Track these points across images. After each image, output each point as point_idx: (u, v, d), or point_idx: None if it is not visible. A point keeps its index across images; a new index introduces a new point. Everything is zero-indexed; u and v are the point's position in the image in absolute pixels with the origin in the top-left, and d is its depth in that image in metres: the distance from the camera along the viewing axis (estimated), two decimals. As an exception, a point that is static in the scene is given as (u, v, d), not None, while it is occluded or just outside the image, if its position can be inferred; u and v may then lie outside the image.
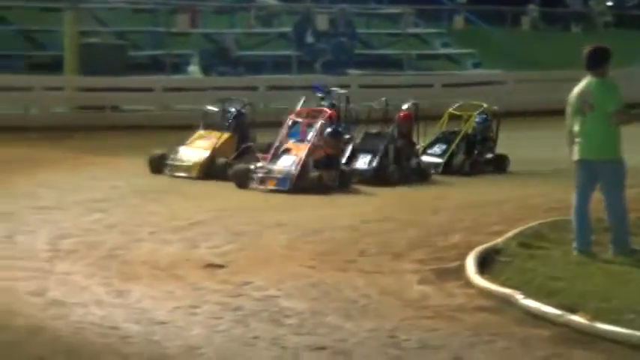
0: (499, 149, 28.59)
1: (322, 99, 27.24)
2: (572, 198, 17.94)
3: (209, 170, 24.72)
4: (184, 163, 24.87)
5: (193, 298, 15.32)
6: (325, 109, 24.80)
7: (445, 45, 49.05)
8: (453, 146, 26.79)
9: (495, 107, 27.81)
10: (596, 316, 13.88)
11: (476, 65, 47.29)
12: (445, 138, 27.27)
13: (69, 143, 24.02)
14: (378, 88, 41.61)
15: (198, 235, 19.60)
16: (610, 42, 38.59)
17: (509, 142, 33.21)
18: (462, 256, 17.49)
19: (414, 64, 46.11)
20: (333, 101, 27.19)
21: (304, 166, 21.98)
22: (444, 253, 18.33)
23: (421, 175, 24.82)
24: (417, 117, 27.04)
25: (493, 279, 16.12)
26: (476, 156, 27.32)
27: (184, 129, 31.66)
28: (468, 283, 16.28)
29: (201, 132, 25.92)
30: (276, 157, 23.05)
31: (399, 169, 24.38)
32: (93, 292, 15.61)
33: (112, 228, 19.64)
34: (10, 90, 35.28)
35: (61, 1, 38.25)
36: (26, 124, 31.67)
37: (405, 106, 27.09)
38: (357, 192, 23.99)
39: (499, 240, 18.56)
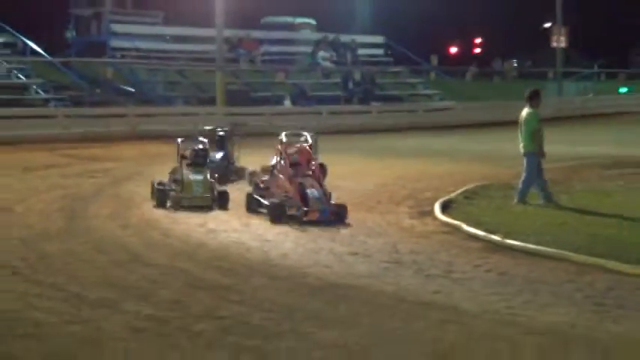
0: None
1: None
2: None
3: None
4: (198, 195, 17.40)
5: (287, 228, 15.38)
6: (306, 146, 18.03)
7: (425, 88, 48.77)
8: None
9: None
10: (506, 236, 14.05)
11: (441, 99, 47.01)
12: None
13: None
14: (388, 112, 41.67)
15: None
16: (515, 87, 38.04)
17: (458, 144, 33.07)
18: (432, 204, 17.50)
19: (408, 99, 45.86)
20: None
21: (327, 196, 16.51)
22: (422, 202, 18.24)
23: None
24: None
25: (449, 216, 16.22)
26: None
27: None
28: (436, 219, 16.30)
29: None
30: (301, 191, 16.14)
31: None
32: (232, 224, 15.68)
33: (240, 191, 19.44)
34: (186, 115, 35.25)
35: (214, 66, 38.22)
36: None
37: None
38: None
39: (452, 195, 18.60)
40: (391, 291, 11.25)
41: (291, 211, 15.98)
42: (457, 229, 15.16)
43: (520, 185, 17.92)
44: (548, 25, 55.49)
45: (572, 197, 18.43)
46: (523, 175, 17.91)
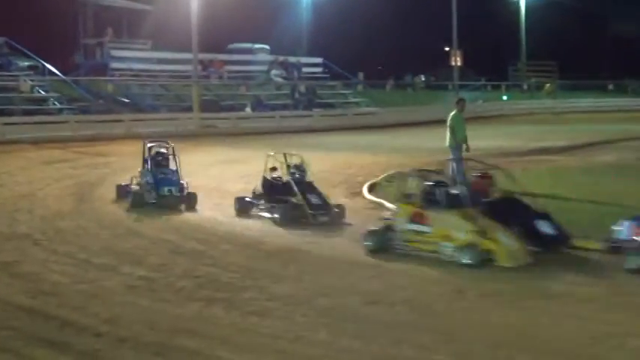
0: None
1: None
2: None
3: None
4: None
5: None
6: None
7: (354, 97, 48.57)
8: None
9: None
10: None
11: (367, 106, 46.80)
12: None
13: (194, 141, 23.37)
14: (326, 116, 41.58)
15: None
16: (423, 96, 37.74)
17: (380, 140, 33.04)
18: (362, 186, 17.47)
19: (341, 106, 45.64)
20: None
21: None
22: (354, 185, 18.13)
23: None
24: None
25: (375, 195, 16.20)
26: None
27: (249, 135, 31.35)
28: (364, 198, 16.27)
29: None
30: None
31: None
32: (206, 204, 15.46)
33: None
34: (169, 120, 34.85)
35: (191, 81, 37.90)
36: (178, 134, 30.76)
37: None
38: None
39: (376, 179, 18.48)
40: (329, 254, 11.24)
41: None
42: (381, 205, 14.98)
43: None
44: (447, 48, 55.69)
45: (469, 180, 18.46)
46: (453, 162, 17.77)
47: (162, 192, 15.04)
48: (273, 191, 14.26)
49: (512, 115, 49.27)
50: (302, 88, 44.97)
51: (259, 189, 14.58)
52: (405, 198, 11.71)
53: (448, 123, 17.84)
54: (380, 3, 59.49)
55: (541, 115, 49.76)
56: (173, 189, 15.11)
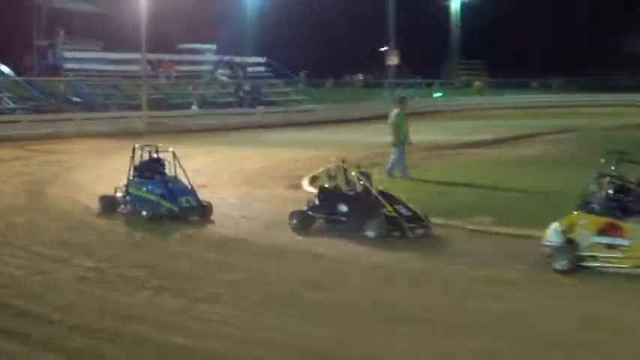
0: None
1: None
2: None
3: None
4: None
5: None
6: None
7: (296, 95, 48.51)
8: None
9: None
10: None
11: (308, 103, 46.85)
12: None
13: (142, 138, 23.02)
14: (270, 114, 41.55)
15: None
16: (361, 94, 37.60)
17: (321, 135, 33.10)
18: (302, 179, 17.55)
19: (284, 104, 45.63)
20: None
21: None
22: (295, 178, 18.14)
23: None
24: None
25: (313, 187, 16.13)
26: None
27: (195, 132, 31.14)
28: (303, 190, 16.31)
29: None
30: None
31: None
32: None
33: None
34: (119, 118, 34.47)
35: (141, 81, 37.54)
36: (139, 131, 30.35)
37: None
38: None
39: (316, 172, 18.31)
40: (271, 243, 11.29)
41: None
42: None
43: (391, 165, 17.84)
44: (384, 48, 55.82)
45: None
46: (392, 158, 17.87)
47: (180, 203, 12.87)
48: (335, 202, 12.35)
49: (446, 111, 49.76)
50: (247, 87, 44.86)
51: (313, 200, 12.75)
52: (586, 206, 9.57)
53: (391, 120, 18.00)
54: (320, 5, 59.52)
55: (471, 111, 50.32)
56: (190, 199, 13.08)
